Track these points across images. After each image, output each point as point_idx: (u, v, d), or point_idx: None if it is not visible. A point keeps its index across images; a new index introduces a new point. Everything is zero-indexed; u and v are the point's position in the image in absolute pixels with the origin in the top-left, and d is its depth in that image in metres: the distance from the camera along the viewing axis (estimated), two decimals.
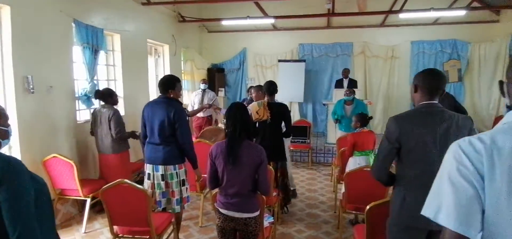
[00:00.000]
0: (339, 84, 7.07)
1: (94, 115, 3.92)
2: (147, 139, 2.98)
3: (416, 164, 1.77)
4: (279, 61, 8.11)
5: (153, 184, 2.95)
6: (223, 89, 8.41)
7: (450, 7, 6.82)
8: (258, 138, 3.62)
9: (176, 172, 2.93)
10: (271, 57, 8.44)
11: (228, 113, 2.11)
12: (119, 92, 5.13)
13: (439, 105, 1.79)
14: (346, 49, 8.08)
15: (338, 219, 3.56)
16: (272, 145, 3.56)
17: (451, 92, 6.76)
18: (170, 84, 2.93)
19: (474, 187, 0.84)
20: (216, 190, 2.21)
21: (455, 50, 7.49)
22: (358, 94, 6.55)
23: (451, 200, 0.86)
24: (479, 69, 7.35)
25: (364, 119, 3.79)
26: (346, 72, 7.14)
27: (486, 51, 7.23)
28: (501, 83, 1.00)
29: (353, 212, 3.26)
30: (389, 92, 8.01)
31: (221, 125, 6.81)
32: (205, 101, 6.76)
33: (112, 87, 5.07)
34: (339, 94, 6.14)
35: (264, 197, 2.26)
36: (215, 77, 8.33)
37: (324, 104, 7.46)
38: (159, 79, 6.65)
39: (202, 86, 6.71)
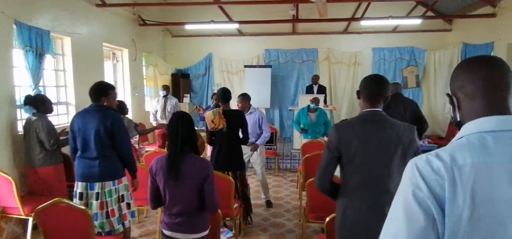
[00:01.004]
0: (309, 90, 7.11)
1: (25, 124, 3.55)
2: (78, 154, 2.66)
3: (356, 174, 1.71)
4: (245, 66, 8.02)
5: (86, 203, 2.64)
6: (188, 95, 8.16)
7: (407, 16, 7.13)
8: (215, 148, 3.47)
9: (115, 188, 2.68)
10: (237, 63, 8.33)
11: (169, 124, 1.92)
12: (70, 99, 4.76)
13: (382, 113, 1.73)
14: (311, 55, 8.17)
15: (302, 229, 3.48)
16: (230, 154, 3.42)
17: (410, 97, 7.03)
18: (102, 91, 2.67)
19: (429, 214, 0.74)
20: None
21: (413, 57, 7.82)
22: (322, 99, 6.62)
23: (404, 229, 0.76)
24: (435, 75, 7.73)
25: None
26: (315, 78, 7.21)
27: (441, 58, 7.61)
28: (449, 96, 0.92)
29: (317, 222, 3.19)
30: (353, 97, 8.17)
31: None
32: (168, 108, 6.51)
33: (62, 94, 4.71)
34: (304, 100, 6.15)
35: (220, 212, 2.10)
36: (180, 83, 8.07)
37: (290, 110, 7.47)
38: (116, 85, 6.44)
39: (161, 92, 6.46)
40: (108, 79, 6.01)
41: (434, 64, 7.71)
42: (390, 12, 6.34)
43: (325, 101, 6.93)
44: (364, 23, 6.85)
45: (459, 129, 0.87)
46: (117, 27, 6.11)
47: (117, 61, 6.52)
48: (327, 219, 2.15)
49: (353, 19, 7.03)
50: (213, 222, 2.07)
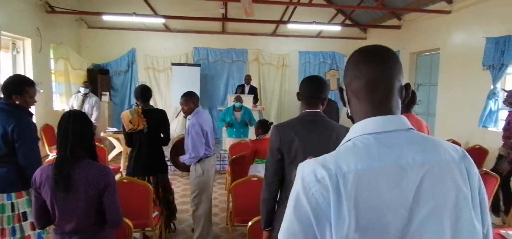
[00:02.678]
0: (240, 90, 7.08)
1: None
2: None
3: None
4: (173, 64, 7.65)
5: None
6: (107, 93, 7.42)
7: (329, 22, 7.63)
8: (133, 151, 3.16)
9: (12, 203, 2.23)
10: (164, 60, 7.90)
11: (58, 125, 1.63)
12: None
13: (322, 114, 1.74)
14: (241, 56, 8.18)
15: (228, 233, 3.39)
16: (150, 157, 3.15)
17: (333, 98, 7.54)
18: (16, 88, 2.23)
19: (309, 227, 0.69)
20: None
21: (334, 61, 8.42)
22: (249, 100, 6.67)
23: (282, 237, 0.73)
24: None
25: (265, 125, 3.73)
26: (248, 78, 7.22)
27: None
28: (341, 90, 0.90)
29: (243, 225, 3.13)
30: (281, 98, 8.45)
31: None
32: (85, 107, 5.84)
33: None
34: (233, 100, 6.12)
35: (130, 225, 1.87)
36: (98, 79, 7.29)
37: (220, 110, 7.36)
38: None
39: (82, 90, 5.81)
40: (6, 72, 5.10)
41: None
42: (314, 18, 6.69)
43: (255, 101, 7.00)
44: (290, 26, 7.11)
45: (352, 122, 0.86)
46: (18, 13, 5.24)
47: (18, 52, 5.59)
48: (249, 223, 2.09)
49: (280, 22, 7.24)
50: (122, 237, 1.83)
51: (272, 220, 1.76)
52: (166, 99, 7.92)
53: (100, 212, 1.63)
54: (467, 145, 4.76)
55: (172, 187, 3.84)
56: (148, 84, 7.62)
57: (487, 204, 0.78)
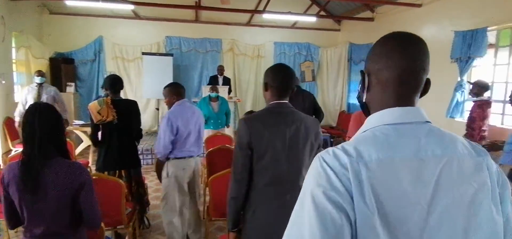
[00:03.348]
0: (214, 81, 6.91)
1: None
2: None
3: (266, 171, 1.59)
4: (143, 53, 7.32)
5: None
6: (73, 83, 6.99)
7: (304, 13, 7.63)
8: (104, 143, 2.97)
9: None
10: (134, 49, 7.55)
11: (23, 120, 1.47)
12: None
13: (289, 105, 1.66)
14: (215, 46, 8.00)
15: (206, 228, 3.30)
16: (121, 151, 2.98)
17: (308, 90, 7.58)
18: None
19: (344, 213, 0.66)
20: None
21: (309, 52, 8.46)
22: (224, 91, 6.55)
23: (319, 234, 0.66)
24: (327, 70, 8.53)
25: None
26: (221, 69, 7.04)
27: (332, 55, 8.44)
28: (363, 74, 0.85)
29: (221, 219, 3.05)
30: (257, 89, 8.38)
31: None
32: (43, 98, 5.41)
33: None
34: (208, 91, 5.96)
35: (102, 225, 1.73)
36: (62, 69, 6.84)
37: (194, 101, 7.16)
38: None
39: (37, 79, 5.35)
40: None
41: (326, 60, 8.50)
42: (289, 8, 6.65)
43: (229, 92, 6.88)
44: (266, 16, 7.03)
45: (363, 110, 0.85)
46: None
47: None
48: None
49: (255, 11, 7.13)
50: (93, 237, 1.70)
51: (240, 220, 1.67)
52: (137, 91, 7.60)
53: (74, 213, 1.49)
54: None
55: (146, 181, 3.69)
56: (117, 74, 7.26)
57: (510, 195, 0.78)
